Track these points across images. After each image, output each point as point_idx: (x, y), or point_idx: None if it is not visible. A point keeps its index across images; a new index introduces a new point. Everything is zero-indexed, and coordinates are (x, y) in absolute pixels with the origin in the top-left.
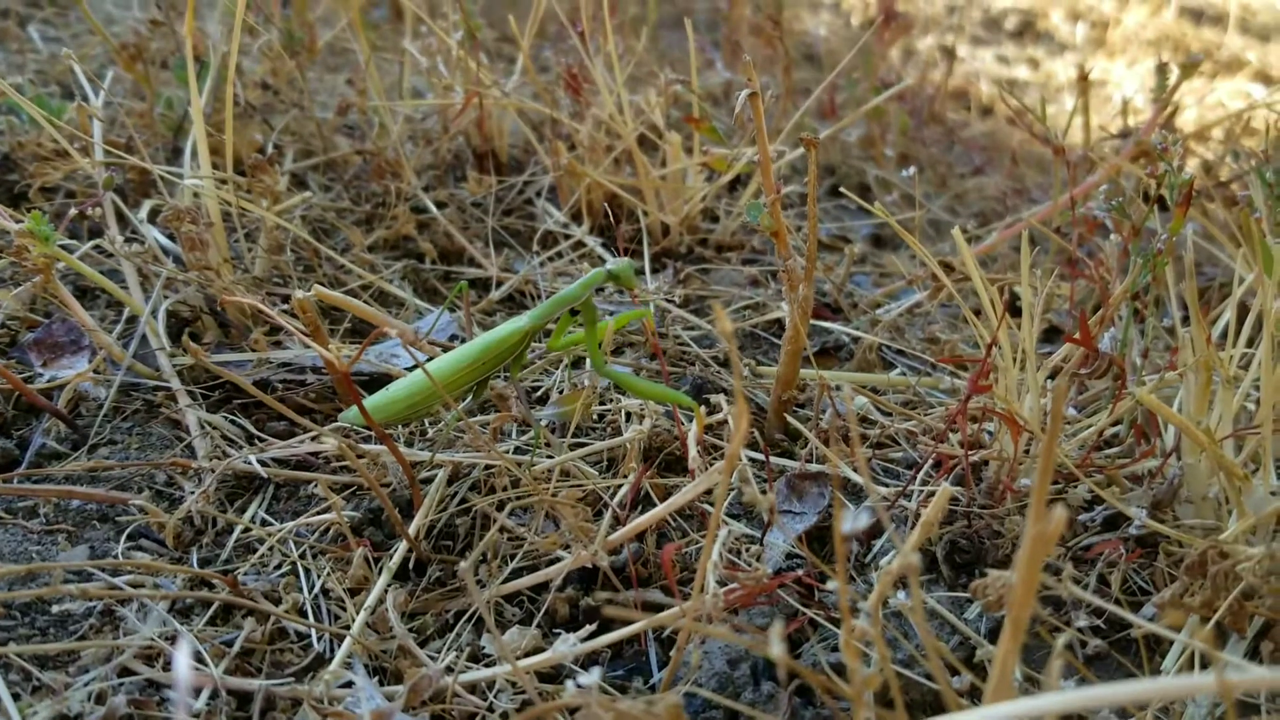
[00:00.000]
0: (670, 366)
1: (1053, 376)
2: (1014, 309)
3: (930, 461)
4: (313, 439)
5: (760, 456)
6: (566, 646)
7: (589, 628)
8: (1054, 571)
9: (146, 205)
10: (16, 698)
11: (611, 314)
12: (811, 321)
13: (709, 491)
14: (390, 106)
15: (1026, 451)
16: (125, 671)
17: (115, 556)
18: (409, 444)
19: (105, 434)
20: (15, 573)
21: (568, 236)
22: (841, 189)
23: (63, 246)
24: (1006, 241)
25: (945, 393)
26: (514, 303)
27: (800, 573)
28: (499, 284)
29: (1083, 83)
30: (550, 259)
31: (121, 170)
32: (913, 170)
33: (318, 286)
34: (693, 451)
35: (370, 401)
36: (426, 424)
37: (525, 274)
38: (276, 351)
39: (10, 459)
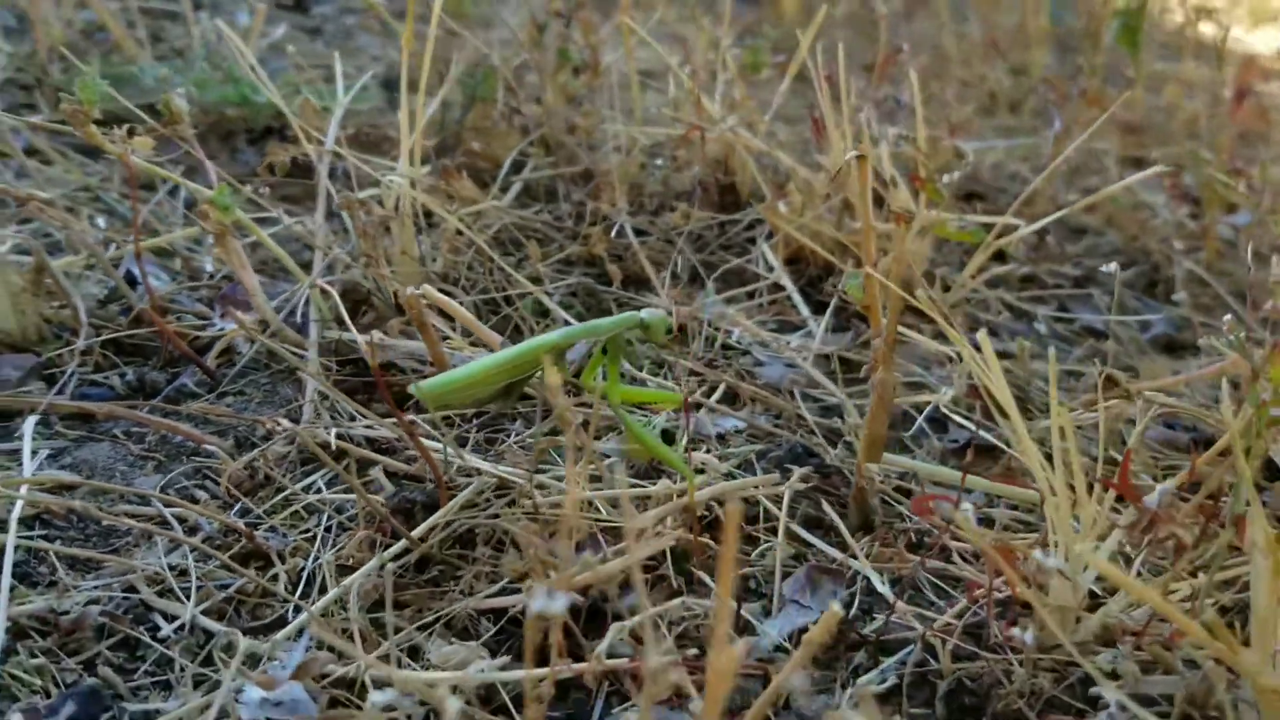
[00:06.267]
0: (773, 426)
1: None
2: None
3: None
4: (381, 423)
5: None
6: (489, 667)
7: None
8: None
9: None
10: (31, 584)
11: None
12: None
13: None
14: (631, 132)
15: None
16: (130, 589)
17: (178, 491)
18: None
19: (238, 386)
20: (93, 486)
21: (767, 277)
22: None
23: (272, 219)
24: None
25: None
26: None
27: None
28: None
29: None
30: (735, 299)
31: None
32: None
33: (426, 286)
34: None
35: (434, 380)
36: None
37: (695, 309)
38: (407, 341)
39: (154, 389)
